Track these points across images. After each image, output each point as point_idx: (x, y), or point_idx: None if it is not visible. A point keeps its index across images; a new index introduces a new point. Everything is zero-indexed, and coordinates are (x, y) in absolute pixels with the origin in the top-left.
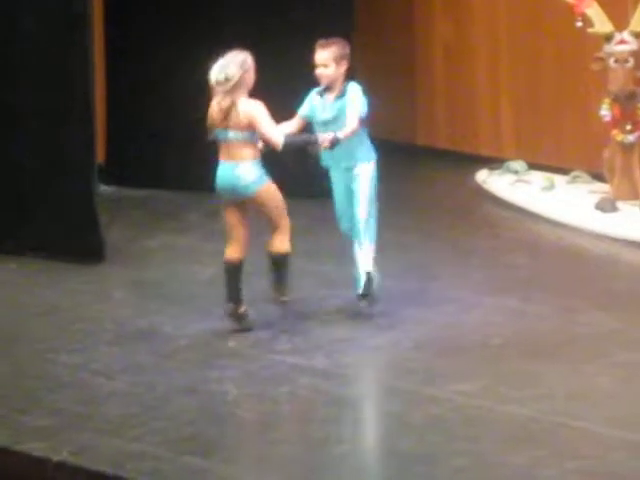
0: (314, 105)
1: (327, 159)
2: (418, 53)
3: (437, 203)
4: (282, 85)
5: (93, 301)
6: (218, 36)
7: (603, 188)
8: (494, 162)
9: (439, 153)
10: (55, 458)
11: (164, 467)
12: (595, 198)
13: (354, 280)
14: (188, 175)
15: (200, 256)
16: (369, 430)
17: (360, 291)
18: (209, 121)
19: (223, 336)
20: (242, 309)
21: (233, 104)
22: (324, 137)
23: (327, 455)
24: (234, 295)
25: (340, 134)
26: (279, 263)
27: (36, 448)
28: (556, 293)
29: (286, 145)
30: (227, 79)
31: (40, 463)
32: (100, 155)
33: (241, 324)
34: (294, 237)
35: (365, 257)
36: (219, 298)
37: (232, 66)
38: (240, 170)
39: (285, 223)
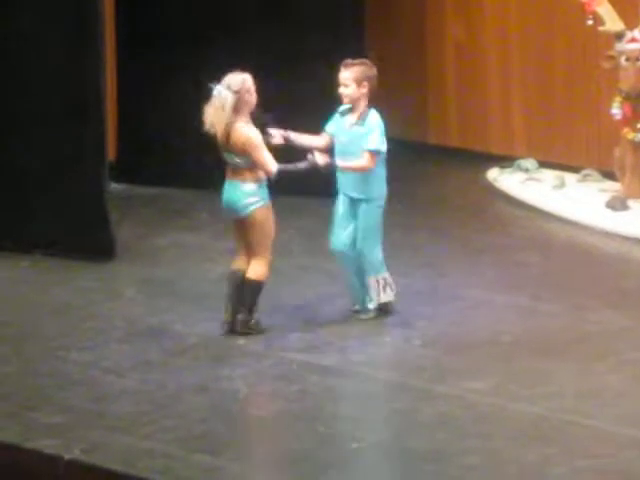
0: (337, 124)
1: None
2: (430, 53)
3: (448, 201)
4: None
5: (104, 299)
6: (231, 36)
7: (614, 186)
8: (505, 160)
9: (451, 151)
10: (67, 456)
11: (175, 465)
12: (606, 196)
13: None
14: (199, 173)
15: (210, 254)
16: (380, 428)
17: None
18: (219, 142)
19: (233, 334)
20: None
21: (230, 128)
22: (319, 161)
23: (338, 453)
24: (232, 305)
25: (341, 163)
26: (249, 289)
27: (47, 445)
28: (567, 291)
29: (280, 174)
30: (222, 105)
31: (51, 460)
32: (111, 153)
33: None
34: (302, 235)
35: (372, 290)
36: None
37: (227, 91)
38: (240, 191)
39: (265, 254)
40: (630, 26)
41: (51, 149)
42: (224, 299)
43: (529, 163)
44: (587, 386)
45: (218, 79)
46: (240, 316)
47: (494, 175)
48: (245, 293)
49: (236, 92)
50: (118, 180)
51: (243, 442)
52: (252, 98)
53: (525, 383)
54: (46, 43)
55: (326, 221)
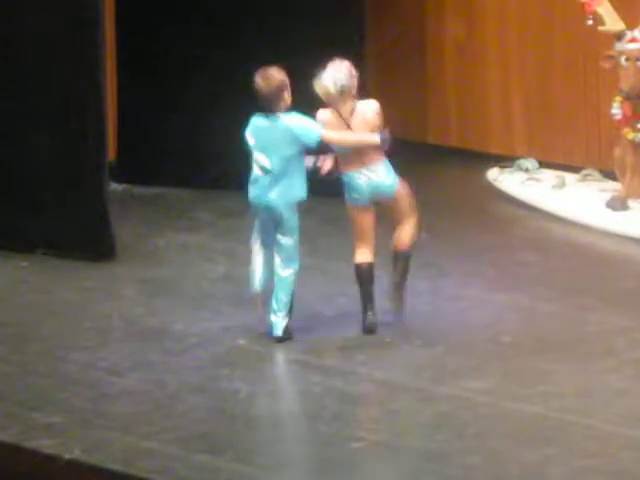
0: None
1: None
2: (429, 51)
3: (448, 201)
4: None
5: (104, 299)
6: (231, 35)
7: (614, 186)
8: (505, 160)
9: (450, 151)
10: (67, 456)
11: (175, 465)
12: (606, 196)
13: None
14: (200, 173)
15: (211, 254)
16: (380, 428)
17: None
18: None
19: (234, 334)
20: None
21: (353, 110)
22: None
23: (338, 453)
24: (371, 301)
25: None
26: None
27: (47, 445)
28: (566, 291)
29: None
30: (343, 90)
31: (51, 460)
32: (111, 153)
33: (373, 333)
34: (302, 235)
35: (277, 322)
36: (230, 296)
37: (343, 76)
38: (383, 172)
39: (412, 218)
40: (630, 26)
41: (51, 149)
42: (363, 299)
43: (529, 163)
44: (587, 386)
45: (221, 79)
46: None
47: (494, 175)
48: (406, 263)
49: (351, 78)
50: (118, 180)
51: (243, 442)
52: (356, 83)
53: (525, 383)
54: (46, 43)
55: (326, 221)
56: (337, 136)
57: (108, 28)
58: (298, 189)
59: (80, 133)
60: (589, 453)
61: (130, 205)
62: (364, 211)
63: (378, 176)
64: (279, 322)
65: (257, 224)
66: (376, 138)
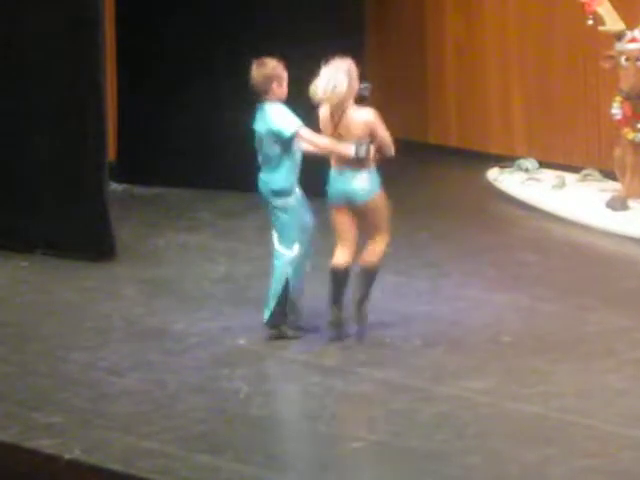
0: None
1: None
2: (429, 51)
3: (448, 201)
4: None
5: (104, 299)
6: (233, 34)
7: (614, 186)
8: (505, 160)
9: (450, 151)
10: (67, 456)
11: (175, 465)
12: (606, 196)
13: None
14: (200, 173)
15: (212, 254)
16: (380, 428)
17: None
18: (322, 130)
19: (234, 334)
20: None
21: (344, 113)
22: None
23: (338, 453)
24: (339, 300)
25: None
26: (367, 275)
27: (47, 445)
28: (566, 291)
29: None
30: (335, 89)
31: (51, 460)
32: (111, 153)
33: (340, 332)
34: None
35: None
36: (230, 296)
37: (340, 76)
38: (357, 178)
39: (386, 235)
40: (630, 26)
41: (51, 149)
42: (331, 299)
43: (529, 163)
44: (587, 386)
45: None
46: (362, 307)
47: (494, 175)
48: (368, 280)
49: (347, 78)
50: (118, 180)
51: (243, 442)
52: (356, 84)
53: (525, 383)
54: (46, 43)
55: (326, 221)
56: (311, 137)
57: (108, 28)
58: (278, 180)
59: (80, 133)
60: (589, 453)
61: (130, 205)
62: (341, 211)
63: (351, 180)
64: (269, 308)
65: None
66: (349, 150)
